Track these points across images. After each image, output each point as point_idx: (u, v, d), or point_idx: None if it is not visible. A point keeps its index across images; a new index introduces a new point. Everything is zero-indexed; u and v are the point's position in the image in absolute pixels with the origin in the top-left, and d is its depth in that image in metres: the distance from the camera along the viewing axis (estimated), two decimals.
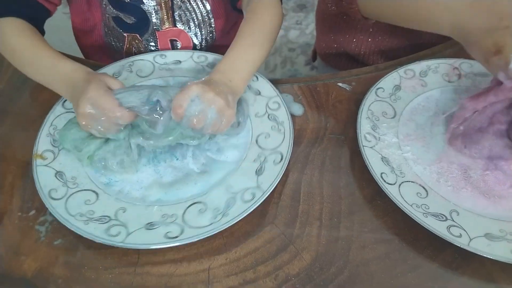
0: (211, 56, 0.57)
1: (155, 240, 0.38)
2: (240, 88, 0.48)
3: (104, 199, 0.42)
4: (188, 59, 0.57)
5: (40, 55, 0.48)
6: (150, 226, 0.40)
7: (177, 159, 0.47)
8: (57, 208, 0.41)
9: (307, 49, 1.26)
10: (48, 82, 0.49)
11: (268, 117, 0.48)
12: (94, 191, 0.43)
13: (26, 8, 0.51)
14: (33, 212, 0.43)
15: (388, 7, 0.54)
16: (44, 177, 0.43)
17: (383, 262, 0.39)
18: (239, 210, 0.40)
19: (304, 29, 1.33)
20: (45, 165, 0.44)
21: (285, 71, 1.22)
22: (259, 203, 0.41)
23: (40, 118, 0.49)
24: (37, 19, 0.52)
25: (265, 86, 0.52)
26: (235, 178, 0.44)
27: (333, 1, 0.69)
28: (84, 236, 0.39)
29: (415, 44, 0.72)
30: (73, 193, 0.42)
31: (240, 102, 0.48)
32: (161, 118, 0.43)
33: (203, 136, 0.45)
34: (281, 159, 0.44)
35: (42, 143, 0.46)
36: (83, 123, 0.43)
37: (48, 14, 0.55)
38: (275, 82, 0.55)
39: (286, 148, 0.45)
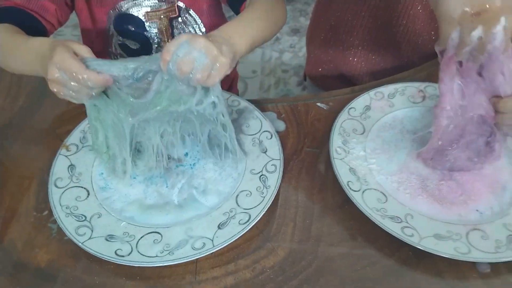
0: (243, 102, 0.60)
1: (106, 252, 0.43)
2: (239, 45, 0.47)
3: (91, 200, 0.49)
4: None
5: (16, 42, 0.51)
6: (109, 237, 0.45)
7: (167, 186, 0.51)
8: (53, 195, 0.48)
9: (299, 71, 1.35)
10: (25, 63, 0.50)
11: (260, 178, 0.50)
12: (87, 191, 0.49)
13: (23, 19, 0.55)
14: (46, 212, 0.50)
15: None
16: (59, 165, 0.51)
17: (346, 258, 0.45)
18: (184, 254, 0.43)
19: (297, 52, 1.43)
20: (65, 156, 0.52)
21: (278, 91, 1.30)
22: (201, 256, 0.42)
23: (56, 130, 0.57)
24: (31, 30, 0.55)
25: (273, 146, 0.53)
26: (199, 223, 0.46)
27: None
28: (60, 225, 0.45)
29: (396, 66, 0.79)
30: (71, 187, 0.49)
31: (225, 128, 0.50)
32: (153, 82, 0.43)
33: (193, 94, 0.45)
34: (247, 221, 0.45)
35: (74, 136, 0.54)
36: (55, 90, 0.44)
37: (45, 31, 0.58)
38: (262, 102, 0.63)
39: (256, 212, 0.46)
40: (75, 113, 0.60)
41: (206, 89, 0.47)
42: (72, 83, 0.43)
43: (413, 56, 0.77)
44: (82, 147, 0.54)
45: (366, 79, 0.81)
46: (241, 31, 0.49)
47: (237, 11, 0.65)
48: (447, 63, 0.46)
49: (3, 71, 0.69)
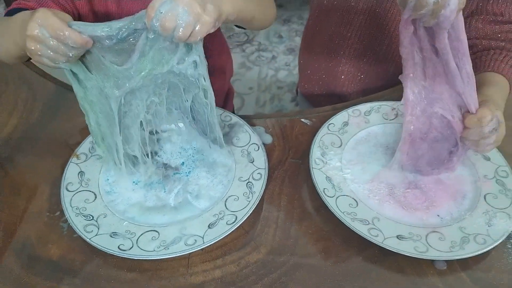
0: (234, 118, 0.67)
1: (110, 247, 0.49)
2: (226, 7, 0.47)
3: (98, 203, 0.55)
4: (217, 116, 0.63)
5: (1, 20, 0.52)
6: (113, 234, 0.51)
7: (165, 191, 0.57)
8: (65, 198, 0.55)
9: (293, 87, 1.43)
10: (8, 36, 0.50)
11: (247, 184, 0.57)
12: (95, 194, 0.56)
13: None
14: (58, 213, 0.56)
15: None
16: (71, 172, 0.58)
17: (320, 255, 0.52)
18: (178, 249, 0.49)
19: (292, 70, 1.51)
20: (76, 164, 0.59)
21: (273, 106, 1.38)
22: (193, 251, 0.49)
23: (69, 142, 0.64)
24: None
25: (260, 157, 0.60)
26: (191, 223, 0.52)
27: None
28: (70, 224, 0.52)
29: (383, 85, 0.86)
30: (81, 191, 0.56)
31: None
32: (138, 41, 0.44)
33: (175, 52, 0.46)
34: (234, 221, 0.51)
35: (83, 147, 0.62)
36: (32, 48, 0.43)
37: None
38: (252, 118, 0.70)
39: (242, 214, 0.52)
40: (85, 126, 0.67)
41: (189, 48, 0.48)
42: (51, 42, 0.43)
43: (398, 75, 0.84)
44: (91, 156, 0.61)
45: (354, 97, 0.88)
46: None
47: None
48: (405, 25, 0.49)
49: (19, 88, 0.77)
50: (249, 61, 1.61)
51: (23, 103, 0.74)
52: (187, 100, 0.56)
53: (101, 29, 0.44)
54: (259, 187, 0.56)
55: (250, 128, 0.65)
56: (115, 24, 0.44)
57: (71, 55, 0.45)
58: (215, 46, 0.80)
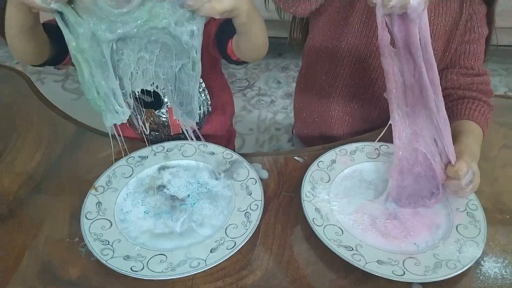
0: (235, 155, 0.74)
1: (123, 268, 0.55)
2: (243, 4, 0.50)
3: (113, 230, 0.62)
4: (219, 153, 0.75)
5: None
6: (126, 257, 0.57)
7: (172, 220, 0.64)
8: (84, 225, 0.62)
9: (290, 129, 1.53)
10: (12, 7, 0.52)
11: (245, 214, 0.64)
12: (110, 222, 0.63)
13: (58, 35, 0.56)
14: (77, 239, 0.63)
15: None
16: (89, 202, 0.65)
17: (310, 278, 0.58)
18: (183, 271, 0.55)
19: (289, 113, 1.63)
20: (94, 195, 0.66)
21: (271, 146, 1.48)
22: (196, 272, 0.55)
23: (87, 177, 0.72)
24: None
25: (257, 190, 0.67)
26: (195, 247, 0.59)
27: None
28: (88, 248, 0.59)
29: (371, 128, 0.95)
30: (98, 219, 0.63)
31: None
32: None
33: (177, 11, 0.49)
34: (233, 247, 0.58)
35: (101, 180, 0.69)
36: None
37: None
38: (250, 155, 0.78)
39: (240, 241, 0.59)
40: (102, 163, 0.76)
41: (192, 16, 0.51)
42: None
43: (385, 121, 0.94)
44: (108, 188, 0.69)
45: (343, 137, 0.97)
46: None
47: (225, 55, 0.72)
48: (381, 29, 0.54)
49: (43, 128, 0.86)
50: (250, 105, 1.73)
51: (46, 141, 0.83)
52: (176, 67, 0.56)
53: None
54: (256, 216, 0.63)
55: (248, 164, 0.73)
56: None
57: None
58: (217, 86, 0.89)
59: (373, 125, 0.93)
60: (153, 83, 0.60)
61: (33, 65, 0.68)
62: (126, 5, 0.48)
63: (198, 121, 0.85)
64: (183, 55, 0.55)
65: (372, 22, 0.79)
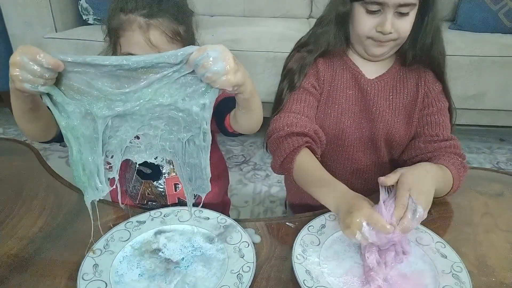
0: (229, 220, 0.78)
1: None
2: (248, 81, 0.58)
3: None
4: (214, 218, 0.79)
5: None
6: None
7: (165, 283, 0.64)
8: (80, 286, 0.62)
9: (284, 201, 1.58)
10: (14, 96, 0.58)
11: (237, 276, 0.65)
12: (106, 283, 0.64)
13: None
14: None
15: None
16: (86, 264, 0.67)
17: None
18: None
19: (283, 187, 1.68)
20: (92, 257, 0.68)
21: (266, 217, 1.50)
22: None
23: (86, 240, 0.75)
24: None
25: (249, 253, 0.69)
26: None
27: None
28: None
29: None
30: (94, 280, 0.64)
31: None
32: (160, 72, 0.50)
33: (186, 90, 0.53)
34: None
35: (99, 244, 0.71)
36: (14, 74, 0.51)
37: None
38: (244, 221, 0.82)
39: None
40: (99, 229, 0.79)
41: (207, 89, 0.55)
42: (30, 65, 0.50)
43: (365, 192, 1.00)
44: (105, 251, 0.71)
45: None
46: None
47: (223, 127, 0.80)
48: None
49: (47, 197, 0.91)
50: (246, 178, 1.79)
51: (49, 209, 0.87)
52: (183, 139, 0.59)
53: (113, 60, 0.49)
54: (247, 278, 0.65)
55: (242, 228, 0.77)
56: (145, 57, 0.51)
57: (47, 76, 0.51)
58: (213, 157, 0.96)
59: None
60: (157, 157, 0.64)
61: (40, 142, 0.75)
62: (130, 85, 0.52)
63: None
64: (192, 126, 0.57)
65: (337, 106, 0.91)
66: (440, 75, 0.92)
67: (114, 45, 0.77)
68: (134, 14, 0.72)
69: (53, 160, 1.89)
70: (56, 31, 1.95)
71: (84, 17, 2.08)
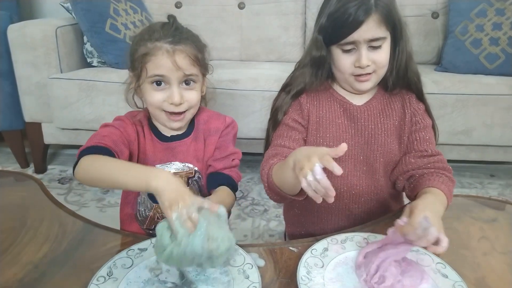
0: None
1: None
2: None
3: None
4: None
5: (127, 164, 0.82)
6: None
7: None
8: None
9: (282, 235, 1.57)
10: (133, 180, 0.74)
11: None
12: None
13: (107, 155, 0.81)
14: None
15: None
16: None
17: None
18: None
19: (282, 221, 1.67)
20: (96, 284, 0.69)
21: (268, 242, 1.50)
22: None
23: (90, 267, 0.75)
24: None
25: (254, 273, 0.72)
26: None
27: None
28: None
29: (352, 225, 1.02)
30: None
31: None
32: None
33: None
34: None
35: (103, 271, 0.72)
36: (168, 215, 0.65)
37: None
38: (247, 246, 0.83)
39: None
40: (103, 255, 0.79)
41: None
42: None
43: (367, 216, 1.02)
44: (108, 278, 0.71)
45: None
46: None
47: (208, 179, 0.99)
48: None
49: (52, 225, 0.91)
50: (244, 213, 1.80)
51: (54, 236, 0.87)
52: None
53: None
54: None
55: (244, 251, 0.78)
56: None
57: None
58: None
59: (356, 222, 1.01)
60: None
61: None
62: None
63: None
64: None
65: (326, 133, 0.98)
66: (420, 96, 1.00)
67: (140, 71, 0.87)
68: (161, 42, 0.85)
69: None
70: (61, 72, 2.03)
71: (89, 60, 2.17)
